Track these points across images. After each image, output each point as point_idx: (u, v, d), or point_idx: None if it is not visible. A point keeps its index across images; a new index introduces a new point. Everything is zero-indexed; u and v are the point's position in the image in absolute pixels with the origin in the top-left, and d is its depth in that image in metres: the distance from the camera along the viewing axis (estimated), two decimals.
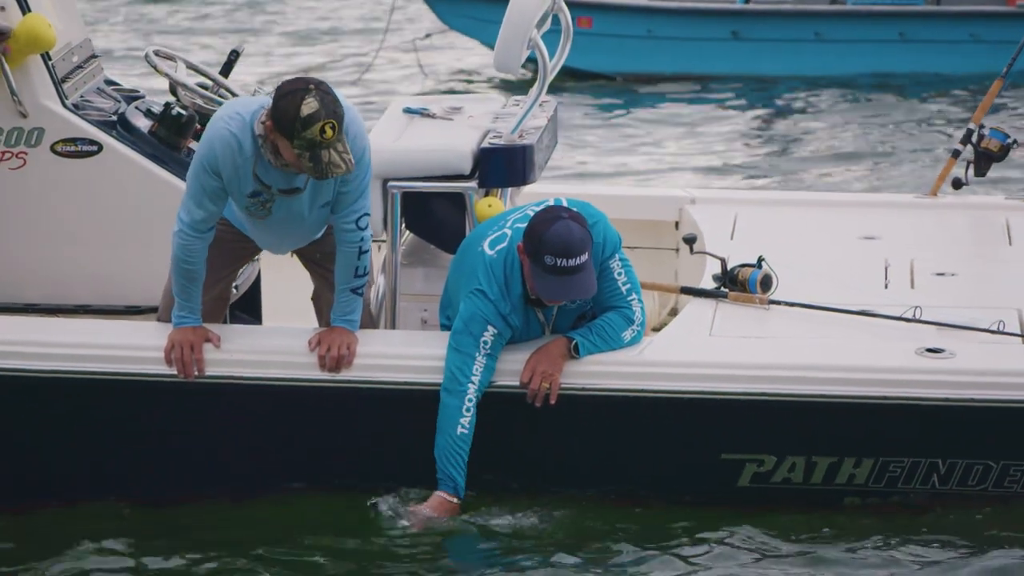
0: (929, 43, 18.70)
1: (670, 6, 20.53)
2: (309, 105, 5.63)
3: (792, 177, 14.58)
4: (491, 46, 21.21)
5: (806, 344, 5.94)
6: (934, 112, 17.71)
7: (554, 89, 7.26)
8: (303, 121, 5.63)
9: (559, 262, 5.64)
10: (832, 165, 15.18)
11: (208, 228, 5.93)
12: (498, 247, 5.86)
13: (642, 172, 14.75)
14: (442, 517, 5.77)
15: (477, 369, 5.78)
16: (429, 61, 22.48)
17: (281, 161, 5.80)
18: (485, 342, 5.79)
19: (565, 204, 5.85)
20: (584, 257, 5.66)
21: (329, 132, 5.64)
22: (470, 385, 5.76)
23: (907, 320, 6.01)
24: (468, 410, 5.76)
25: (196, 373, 5.97)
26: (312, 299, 6.40)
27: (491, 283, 5.81)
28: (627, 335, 5.86)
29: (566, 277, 5.66)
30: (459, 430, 5.75)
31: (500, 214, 6.15)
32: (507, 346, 5.88)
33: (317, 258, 6.24)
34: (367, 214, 5.96)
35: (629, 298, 5.89)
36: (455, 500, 5.79)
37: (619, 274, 5.89)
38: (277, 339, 6.15)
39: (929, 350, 5.84)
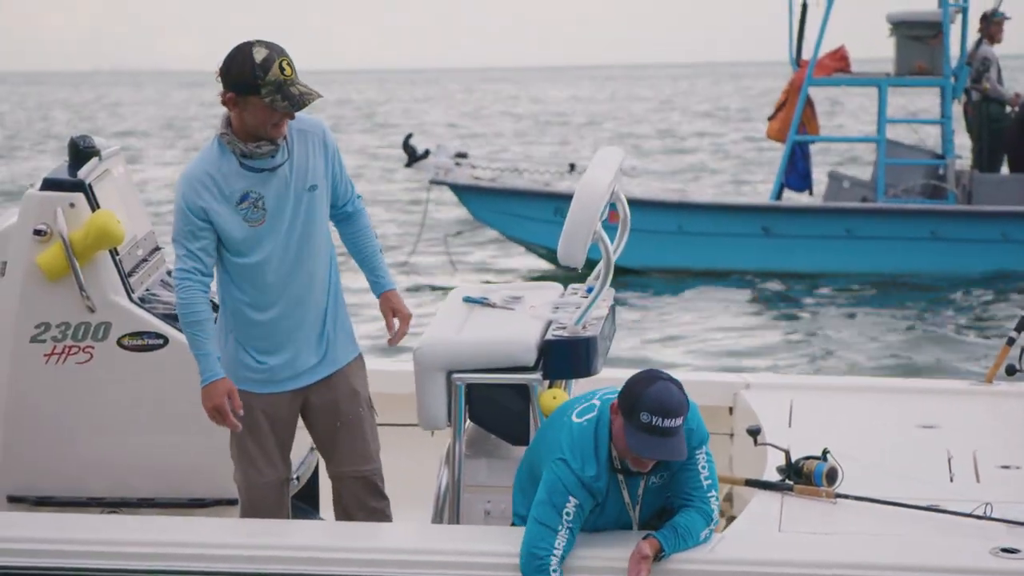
0: (960, 242, 18.79)
1: (701, 201, 20.73)
2: (259, 52, 5.84)
3: (831, 369, 14.57)
4: (520, 239, 21.56)
5: (878, 542, 5.86)
6: (967, 308, 17.76)
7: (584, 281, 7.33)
8: (261, 67, 5.81)
9: (655, 420, 5.59)
10: (870, 357, 15.19)
11: (195, 270, 5.97)
12: (587, 416, 5.83)
13: (676, 364, 14.76)
14: None
15: (559, 543, 5.69)
16: (461, 254, 22.67)
17: (260, 134, 5.89)
18: (568, 513, 5.72)
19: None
20: (680, 420, 5.62)
21: (288, 69, 5.85)
22: (552, 558, 5.67)
23: (978, 517, 5.94)
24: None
25: (239, 424, 6.03)
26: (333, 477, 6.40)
27: (575, 451, 5.76)
28: (704, 533, 5.82)
29: (659, 438, 5.61)
30: None
31: (585, 393, 6.13)
32: (588, 539, 5.82)
33: (337, 427, 6.26)
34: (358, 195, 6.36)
35: (709, 495, 5.84)
36: None
37: (703, 467, 5.85)
38: (340, 536, 6.09)
39: (1004, 550, 5.75)
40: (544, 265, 20.95)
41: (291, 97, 5.83)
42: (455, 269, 21.40)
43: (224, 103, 5.92)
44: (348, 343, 6.33)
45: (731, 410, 7.48)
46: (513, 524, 6.07)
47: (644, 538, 5.73)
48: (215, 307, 6.70)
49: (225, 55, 5.91)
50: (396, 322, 6.37)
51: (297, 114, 6.00)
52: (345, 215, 6.33)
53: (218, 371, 6.02)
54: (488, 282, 20.42)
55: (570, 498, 5.72)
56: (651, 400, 5.60)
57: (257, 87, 5.81)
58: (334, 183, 6.23)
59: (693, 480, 5.84)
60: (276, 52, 5.85)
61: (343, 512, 6.40)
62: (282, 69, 5.82)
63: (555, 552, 5.67)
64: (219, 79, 5.90)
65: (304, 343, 6.18)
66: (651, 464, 5.75)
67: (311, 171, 6.10)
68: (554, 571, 5.67)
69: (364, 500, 6.37)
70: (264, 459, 6.23)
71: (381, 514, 6.41)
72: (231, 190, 5.97)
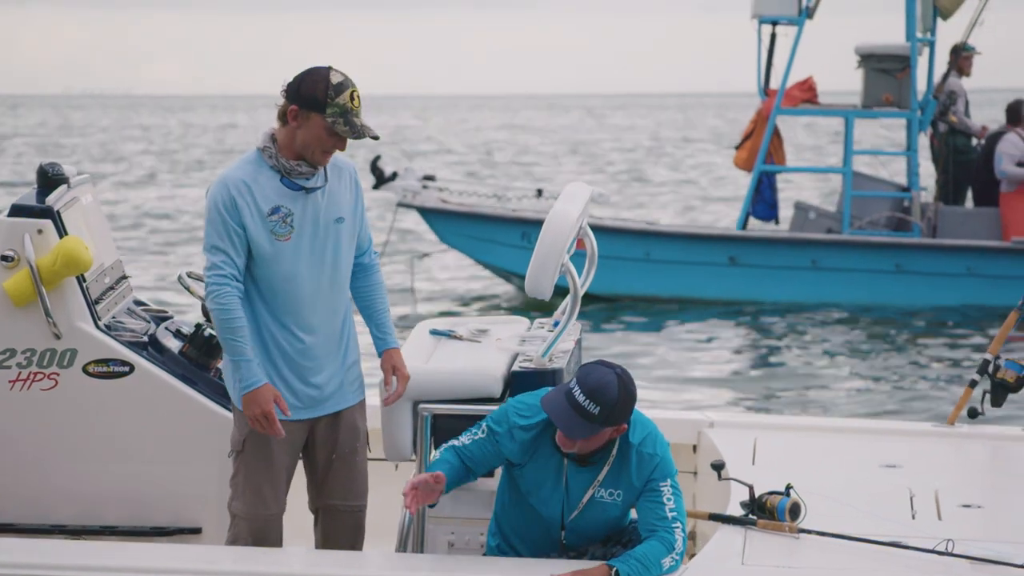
0: (925, 275, 18.88)
1: (668, 230, 20.82)
2: (336, 76, 5.99)
3: (795, 402, 14.61)
4: (486, 263, 21.60)
5: None
6: (931, 342, 17.81)
7: (553, 310, 7.38)
8: (335, 88, 5.96)
9: (574, 389, 5.71)
10: (834, 391, 15.23)
11: (232, 275, 5.99)
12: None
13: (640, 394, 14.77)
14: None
15: (462, 441, 5.94)
16: (428, 278, 22.65)
17: (307, 154, 5.98)
18: (482, 430, 5.94)
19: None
20: (595, 409, 5.68)
21: (356, 100, 6.00)
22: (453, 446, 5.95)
23: (940, 553, 5.97)
24: (443, 452, 5.95)
25: (282, 432, 6.02)
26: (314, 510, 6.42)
27: (525, 401, 5.94)
28: (666, 563, 5.83)
29: (566, 404, 5.70)
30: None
31: None
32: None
33: (332, 459, 6.28)
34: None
35: (673, 525, 5.88)
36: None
37: (668, 499, 5.90)
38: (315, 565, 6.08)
39: None
40: (510, 289, 20.98)
41: (352, 125, 5.98)
42: (416, 300, 21.40)
43: (283, 116, 6.02)
44: (358, 387, 6.37)
45: (695, 448, 7.50)
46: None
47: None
48: None
49: (299, 73, 6.05)
50: (394, 380, 6.36)
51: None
52: (361, 267, 6.35)
53: (262, 376, 6.03)
54: (452, 313, 20.44)
55: (490, 425, 5.92)
56: (586, 374, 5.74)
57: (324, 105, 5.95)
58: (359, 227, 6.28)
59: (658, 511, 5.88)
60: (350, 82, 6.02)
61: (323, 544, 6.39)
62: (352, 98, 5.98)
63: (453, 443, 5.95)
64: (284, 93, 6.02)
65: (324, 373, 6.20)
66: (569, 445, 5.79)
67: (341, 204, 6.18)
68: (438, 452, 5.98)
69: (349, 534, 6.38)
70: (272, 492, 6.22)
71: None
72: (263, 200, 6.03)
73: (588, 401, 5.68)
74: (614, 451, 5.89)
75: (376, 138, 6.04)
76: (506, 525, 6.08)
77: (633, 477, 5.89)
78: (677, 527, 5.88)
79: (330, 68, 6.02)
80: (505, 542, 6.10)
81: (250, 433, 6.14)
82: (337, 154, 6.15)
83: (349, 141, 6.03)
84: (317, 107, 5.95)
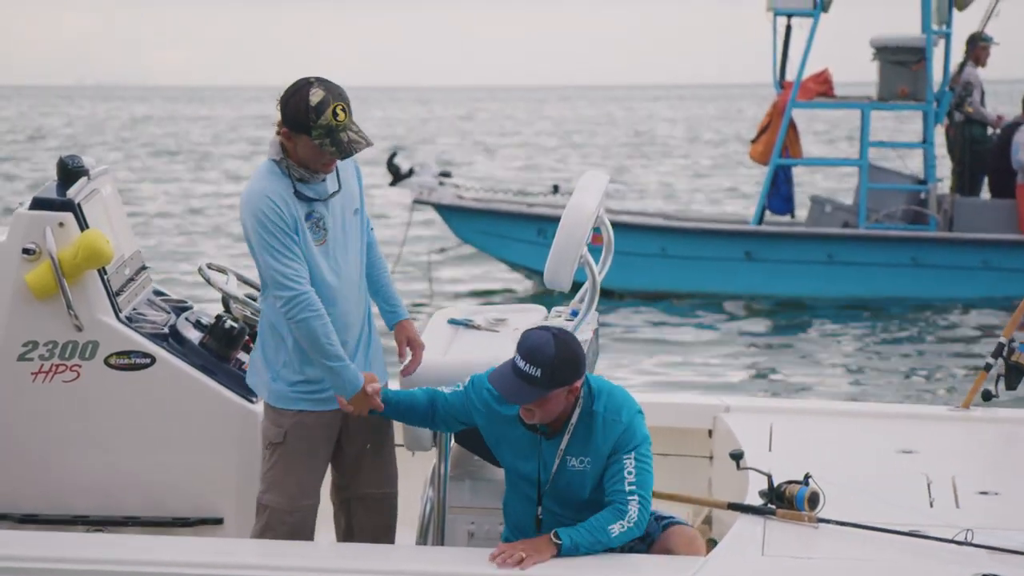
0: (941, 268, 18.86)
1: (684, 225, 20.76)
2: (316, 95, 5.92)
3: (811, 394, 14.61)
4: (503, 259, 21.57)
5: (861, 567, 5.89)
6: (947, 335, 17.81)
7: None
8: (315, 110, 5.90)
9: (516, 355, 5.82)
10: (849, 384, 15.24)
11: (306, 280, 5.97)
12: None
13: (654, 387, 14.80)
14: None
15: (443, 390, 6.11)
16: (444, 274, 22.68)
17: (309, 167, 6.00)
18: (458, 387, 6.10)
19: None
20: (533, 370, 5.75)
21: (341, 114, 5.93)
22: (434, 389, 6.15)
23: (959, 543, 5.98)
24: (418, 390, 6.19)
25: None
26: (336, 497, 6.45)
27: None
28: (615, 529, 5.84)
29: (508, 371, 5.81)
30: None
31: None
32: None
33: (368, 448, 6.32)
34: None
35: (629, 497, 5.89)
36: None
37: (629, 472, 5.92)
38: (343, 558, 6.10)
39: None
40: (527, 285, 21.00)
41: (339, 144, 5.94)
42: (433, 293, 21.43)
43: (279, 134, 6.03)
44: (382, 366, 6.41)
45: (710, 433, 7.53)
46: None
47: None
48: (253, 333, 6.72)
49: (286, 88, 6.01)
50: (408, 352, 6.43)
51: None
52: (371, 247, 6.41)
53: (355, 371, 6.09)
54: (474, 294, 20.48)
55: (469, 383, 6.06)
56: (523, 340, 5.85)
57: (308, 128, 5.92)
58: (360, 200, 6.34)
59: (616, 484, 5.93)
60: (333, 95, 5.94)
61: (356, 534, 6.42)
62: (335, 114, 5.92)
63: (437, 388, 6.15)
64: (279, 109, 6.00)
65: (355, 361, 6.23)
66: (529, 416, 5.88)
67: (354, 195, 6.24)
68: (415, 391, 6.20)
69: (385, 521, 6.43)
70: (312, 483, 6.26)
71: (390, 538, 6.47)
72: (296, 208, 6.03)
73: (527, 364, 5.76)
74: (574, 418, 5.94)
75: (369, 144, 6.00)
76: (507, 510, 6.18)
77: (600, 443, 5.94)
78: (633, 499, 5.89)
79: (311, 85, 5.95)
80: (508, 529, 6.18)
81: (292, 426, 6.16)
82: None
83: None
84: (303, 130, 5.94)
